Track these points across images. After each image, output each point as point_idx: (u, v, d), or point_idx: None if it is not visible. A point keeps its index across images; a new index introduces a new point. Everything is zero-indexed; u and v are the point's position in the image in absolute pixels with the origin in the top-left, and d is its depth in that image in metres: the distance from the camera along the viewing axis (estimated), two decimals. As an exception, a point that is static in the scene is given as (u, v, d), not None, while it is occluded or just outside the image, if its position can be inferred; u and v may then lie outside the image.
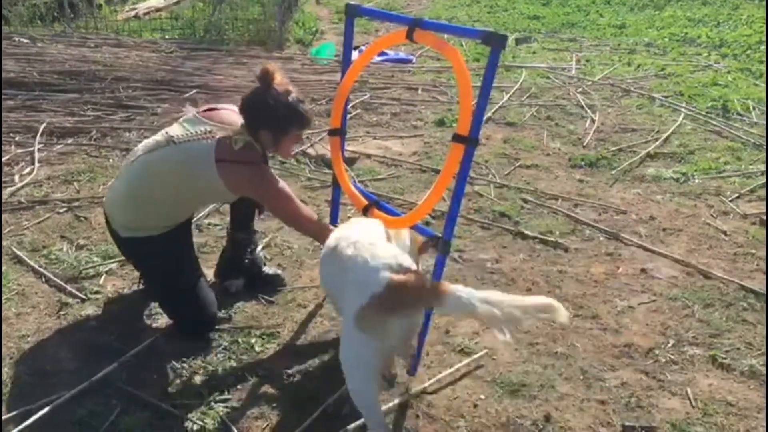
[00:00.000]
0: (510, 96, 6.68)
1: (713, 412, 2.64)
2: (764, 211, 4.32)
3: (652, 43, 9.25)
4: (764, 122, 6.04)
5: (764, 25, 9.71)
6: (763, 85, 7.13)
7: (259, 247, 3.51)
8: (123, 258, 3.46)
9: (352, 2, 2.97)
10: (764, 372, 2.87)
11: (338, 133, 3.05)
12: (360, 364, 2.24)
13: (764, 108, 6.40)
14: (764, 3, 11.43)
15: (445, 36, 2.79)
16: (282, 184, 2.87)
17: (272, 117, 2.78)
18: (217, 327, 3.03)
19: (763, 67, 7.82)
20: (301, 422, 2.49)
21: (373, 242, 2.39)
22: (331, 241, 2.58)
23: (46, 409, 2.50)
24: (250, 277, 3.34)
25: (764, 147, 5.45)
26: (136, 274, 3.37)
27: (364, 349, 2.21)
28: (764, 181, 4.80)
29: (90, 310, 3.13)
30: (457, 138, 2.38)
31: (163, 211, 2.88)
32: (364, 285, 2.20)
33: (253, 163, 2.81)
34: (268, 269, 3.41)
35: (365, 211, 2.83)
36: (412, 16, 2.64)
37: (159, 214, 2.88)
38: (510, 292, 3.36)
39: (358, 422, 2.48)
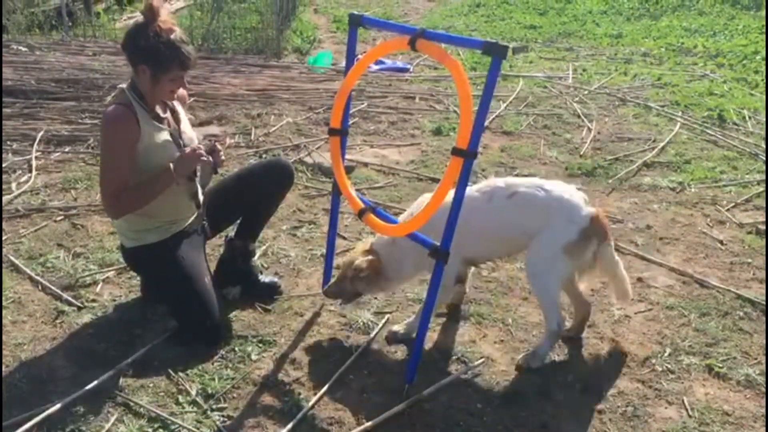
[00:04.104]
0: (507, 105, 6.70)
1: (710, 422, 2.64)
2: (760, 220, 4.34)
3: (649, 52, 9.29)
4: (759, 131, 6.06)
5: (759, 35, 9.76)
6: (759, 95, 7.16)
7: (256, 256, 3.52)
8: (120, 266, 3.46)
9: (355, 12, 3.00)
10: (760, 381, 2.87)
11: (338, 133, 3.06)
12: (557, 279, 2.84)
13: (759, 118, 6.42)
14: (760, 13, 11.49)
15: (443, 45, 2.81)
16: (126, 142, 2.77)
17: (151, 52, 2.75)
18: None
19: (758, 77, 7.86)
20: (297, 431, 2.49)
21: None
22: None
23: (42, 416, 2.49)
24: (247, 284, 3.33)
25: (759, 156, 5.47)
26: (134, 282, 3.37)
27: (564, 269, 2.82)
28: (760, 190, 4.81)
29: (86, 318, 3.12)
30: (456, 151, 2.41)
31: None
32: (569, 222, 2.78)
33: (114, 104, 2.82)
34: (265, 277, 3.40)
35: (361, 216, 2.84)
36: (417, 27, 2.66)
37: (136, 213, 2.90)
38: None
39: (359, 428, 2.48)
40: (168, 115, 2.99)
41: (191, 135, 3.08)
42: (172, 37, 2.76)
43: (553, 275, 2.83)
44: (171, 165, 2.80)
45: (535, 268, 2.87)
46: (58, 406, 2.55)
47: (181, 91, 3.05)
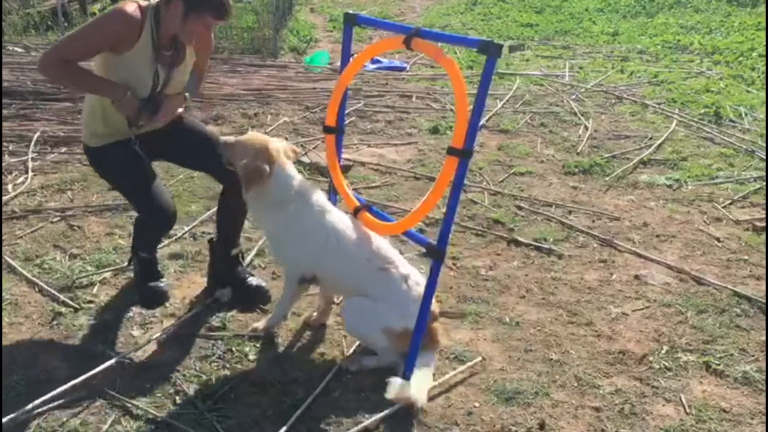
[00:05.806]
0: (504, 103, 6.70)
1: (707, 419, 2.65)
2: (756, 217, 4.34)
3: (645, 50, 9.30)
4: (756, 128, 6.07)
5: (755, 32, 9.77)
6: (755, 92, 7.17)
7: (249, 257, 3.51)
8: (116, 267, 3.46)
9: (351, 11, 3.00)
10: (758, 378, 2.87)
11: (333, 132, 3.05)
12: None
13: (756, 115, 6.43)
14: (756, 9, 11.50)
15: (439, 44, 2.81)
16: (113, 34, 2.77)
17: None
18: (211, 335, 3.02)
19: (754, 74, 7.87)
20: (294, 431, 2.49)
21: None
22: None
23: (39, 418, 2.48)
24: (236, 287, 3.31)
25: (756, 153, 5.47)
26: (130, 283, 3.36)
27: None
28: (757, 187, 4.82)
29: (83, 319, 3.12)
30: (452, 151, 2.41)
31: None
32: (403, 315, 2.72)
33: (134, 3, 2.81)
34: (253, 280, 3.35)
35: (356, 214, 2.84)
36: (412, 26, 2.66)
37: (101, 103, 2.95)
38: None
39: (357, 428, 2.48)
40: (170, 53, 2.94)
41: (179, 80, 3.03)
42: None
43: (372, 331, 2.81)
44: (123, 90, 2.83)
45: (354, 323, 2.86)
46: (55, 407, 2.54)
47: (210, 38, 3.08)
